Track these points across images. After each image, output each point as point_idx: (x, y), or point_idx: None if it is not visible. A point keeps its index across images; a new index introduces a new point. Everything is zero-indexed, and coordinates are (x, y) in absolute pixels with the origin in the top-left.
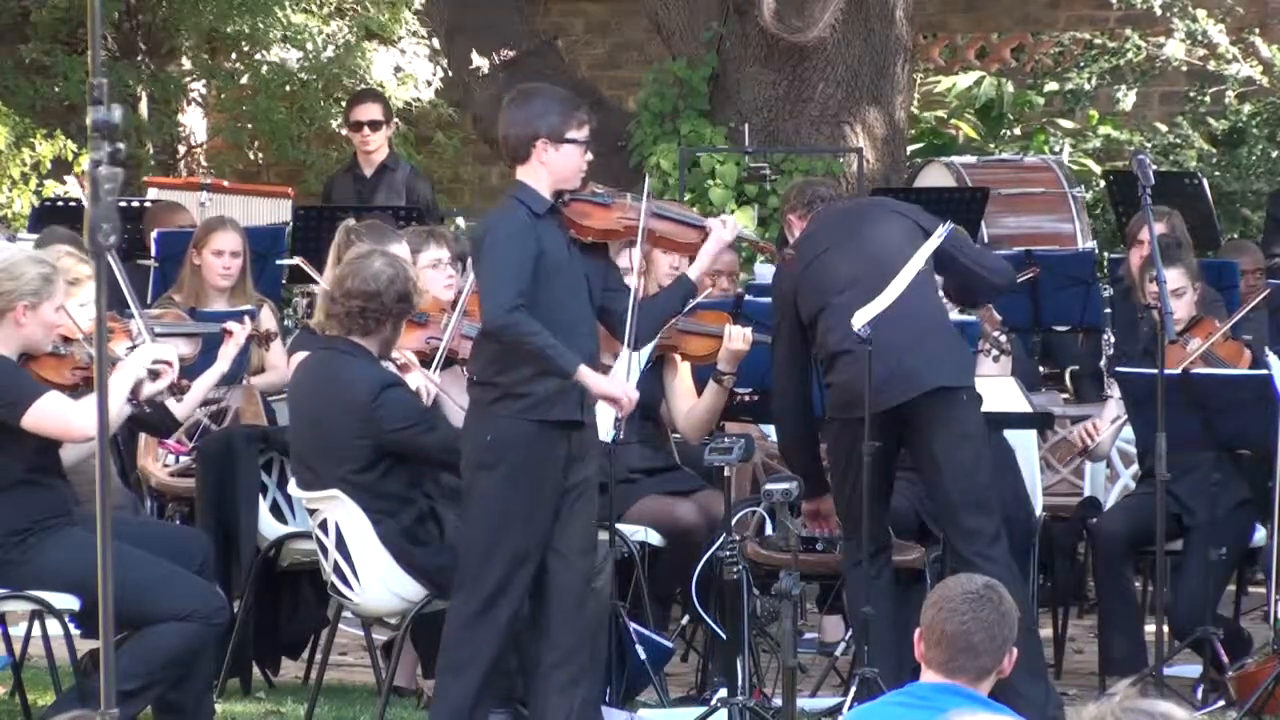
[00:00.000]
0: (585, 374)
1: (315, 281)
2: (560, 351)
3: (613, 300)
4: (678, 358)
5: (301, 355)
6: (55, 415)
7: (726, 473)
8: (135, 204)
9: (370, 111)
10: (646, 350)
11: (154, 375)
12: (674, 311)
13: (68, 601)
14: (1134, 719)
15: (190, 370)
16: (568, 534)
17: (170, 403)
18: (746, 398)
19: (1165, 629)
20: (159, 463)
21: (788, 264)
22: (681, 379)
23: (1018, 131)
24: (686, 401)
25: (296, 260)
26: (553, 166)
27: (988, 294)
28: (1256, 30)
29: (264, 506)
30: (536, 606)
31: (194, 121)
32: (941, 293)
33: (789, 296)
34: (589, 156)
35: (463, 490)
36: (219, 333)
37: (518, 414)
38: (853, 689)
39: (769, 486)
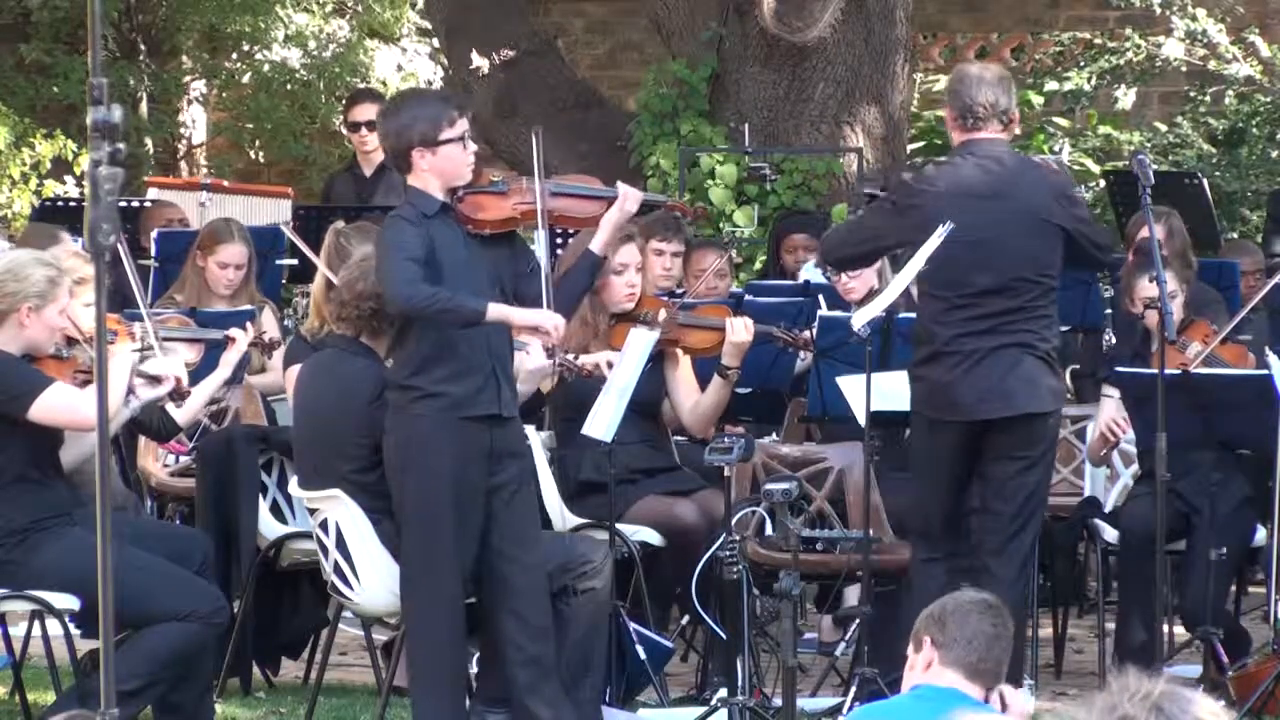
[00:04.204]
0: (497, 310)
1: (307, 255)
2: (464, 299)
3: (527, 284)
4: (679, 352)
5: (296, 368)
6: (64, 406)
7: (726, 473)
8: (135, 204)
9: (368, 112)
10: (648, 346)
11: (155, 381)
12: (584, 287)
13: (68, 601)
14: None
15: (193, 375)
16: (510, 534)
17: (171, 408)
18: None
19: (1167, 628)
20: (159, 463)
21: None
22: (683, 373)
23: (1018, 131)
24: (690, 396)
25: (284, 225)
26: (436, 169)
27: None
28: (1256, 30)
29: (264, 506)
30: (496, 611)
31: (194, 121)
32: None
33: (917, 214)
34: (473, 148)
35: (392, 497)
36: (223, 339)
37: (438, 413)
38: (853, 689)
39: (769, 486)
